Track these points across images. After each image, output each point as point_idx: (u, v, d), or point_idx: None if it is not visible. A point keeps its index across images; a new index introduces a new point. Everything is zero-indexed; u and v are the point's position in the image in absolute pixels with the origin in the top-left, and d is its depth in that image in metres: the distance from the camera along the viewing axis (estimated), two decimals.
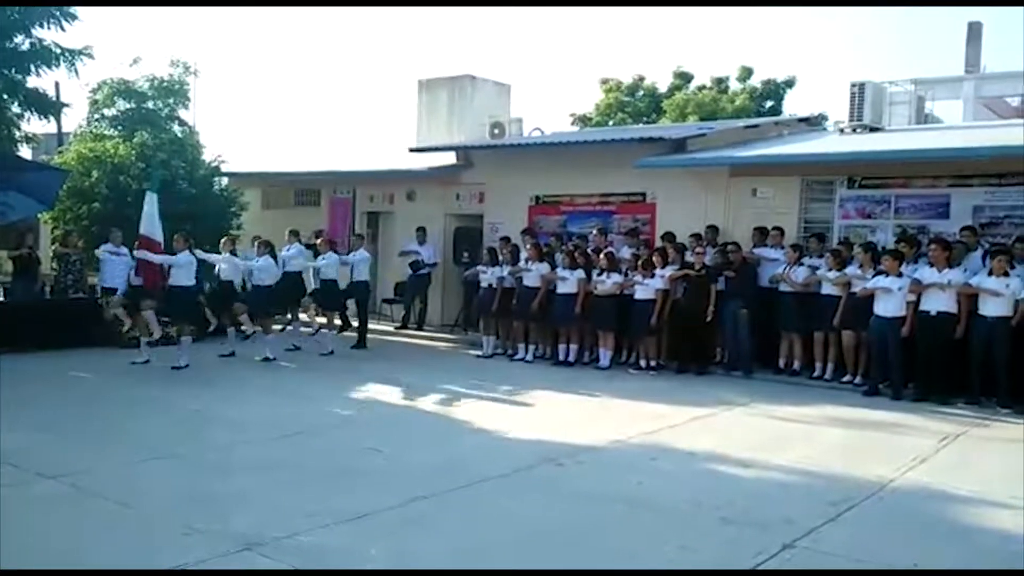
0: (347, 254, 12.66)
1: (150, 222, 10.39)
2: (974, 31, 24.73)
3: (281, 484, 5.65)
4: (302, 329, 12.36)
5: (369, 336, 14.14)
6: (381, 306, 15.37)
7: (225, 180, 16.40)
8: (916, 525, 5.13)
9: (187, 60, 16.97)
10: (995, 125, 15.82)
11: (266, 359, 10.89)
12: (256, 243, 12.06)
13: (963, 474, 6.25)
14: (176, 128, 16.90)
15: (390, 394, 9.05)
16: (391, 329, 14.41)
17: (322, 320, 12.56)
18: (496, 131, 15.33)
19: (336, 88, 53.84)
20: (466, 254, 13.66)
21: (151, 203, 10.46)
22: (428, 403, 8.58)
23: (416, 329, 14.20)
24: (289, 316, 12.44)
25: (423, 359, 11.94)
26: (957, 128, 15.07)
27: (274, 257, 11.69)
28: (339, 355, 11.71)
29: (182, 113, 17.11)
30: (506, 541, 4.69)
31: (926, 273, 9.10)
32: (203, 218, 13.59)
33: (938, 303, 8.92)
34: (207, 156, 15.76)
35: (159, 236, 10.43)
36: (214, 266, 11.52)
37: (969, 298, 8.80)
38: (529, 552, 4.55)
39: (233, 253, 11.55)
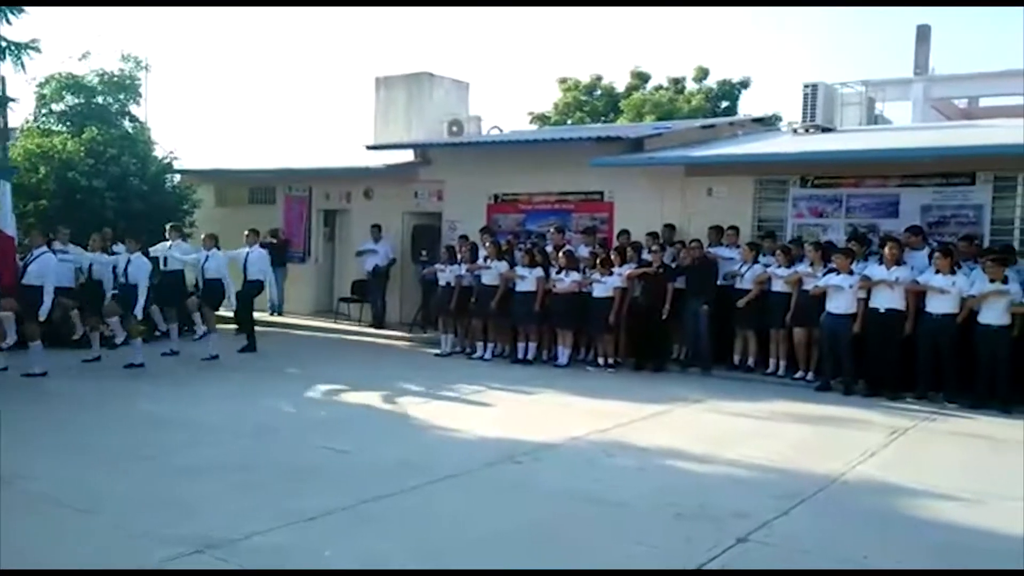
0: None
1: (2, 215, 9.73)
2: (923, 34, 25.31)
3: (236, 485, 5.58)
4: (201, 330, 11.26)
5: (329, 335, 14.07)
6: (338, 305, 15.25)
7: (178, 177, 16.11)
8: (866, 518, 5.24)
9: (138, 55, 16.59)
10: (943, 126, 16.27)
11: (212, 357, 10.74)
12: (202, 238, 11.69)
13: (912, 467, 6.40)
14: (127, 124, 16.50)
15: (347, 394, 8.98)
16: (350, 328, 14.31)
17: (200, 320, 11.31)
18: (455, 129, 15.31)
19: (292, 85, 53.23)
20: (424, 252, 13.61)
21: (4, 193, 9.81)
22: (385, 402, 8.53)
23: (376, 327, 14.11)
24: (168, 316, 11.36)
25: (381, 358, 11.87)
26: (906, 129, 15.43)
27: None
28: (293, 355, 11.59)
29: (133, 109, 16.70)
30: (463, 539, 4.69)
31: (876, 271, 9.30)
32: (155, 215, 13.32)
33: (887, 300, 9.12)
34: (159, 152, 15.46)
35: (12, 230, 9.85)
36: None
37: (917, 295, 9.01)
38: (487, 550, 4.55)
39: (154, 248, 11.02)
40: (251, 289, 11.71)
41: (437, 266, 12.22)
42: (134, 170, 13.94)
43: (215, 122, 42.83)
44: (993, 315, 8.52)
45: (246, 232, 11.97)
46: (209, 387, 9.27)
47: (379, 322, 14.22)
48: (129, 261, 10.11)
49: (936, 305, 8.84)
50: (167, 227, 11.51)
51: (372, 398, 8.69)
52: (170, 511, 4.97)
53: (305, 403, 8.57)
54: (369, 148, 15.04)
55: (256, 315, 12.34)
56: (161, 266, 11.09)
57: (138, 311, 9.97)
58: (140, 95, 16.46)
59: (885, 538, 4.84)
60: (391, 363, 11.34)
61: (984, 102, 26.20)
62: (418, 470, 5.92)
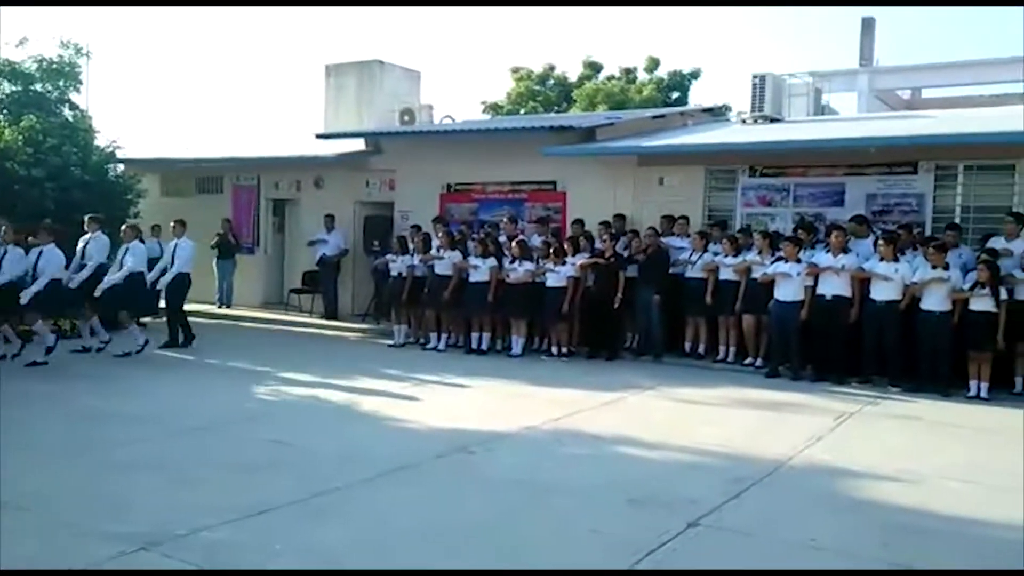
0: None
1: None
2: (867, 26, 25.77)
3: (182, 481, 5.46)
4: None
5: (280, 327, 13.88)
6: (289, 296, 15.04)
7: (121, 167, 15.72)
8: (813, 500, 5.33)
9: (78, 41, 16.11)
10: (887, 117, 16.58)
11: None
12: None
13: (857, 450, 6.52)
14: (67, 112, 16.06)
15: (297, 386, 8.86)
16: (301, 320, 14.13)
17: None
18: (406, 118, 15.18)
19: (240, 72, 52.27)
20: (376, 243, 13.49)
21: None
22: (336, 394, 8.43)
23: (329, 319, 13.96)
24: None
25: (332, 350, 11.75)
26: (851, 119, 15.71)
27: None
28: (242, 348, 11.40)
29: (73, 97, 16.25)
30: (416, 531, 4.65)
31: (822, 259, 9.46)
32: (97, 206, 12.96)
33: (833, 288, 9.29)
34: (101, 141, 15.06)
35: None
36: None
37: (862, 282, 9.19)
38: (439, 541, 4.52)
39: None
40: (179, 282, 11.11)
41: (389, 256, 12.12)
42: (75, 160, 13.55)
43: (160, 110, 41.91)
44: (935, 301, 8.74)
45: (172, 223, 11.60)
46: (153, 382, 9.07)
47: (332, 314, 14.07)
48: (41, 253, 9.64)
49: (880, 292, 9.03)
50: (85, 219, 10.85)
51: (323, 390, 8.58)
52: (113, 508, 4.84)
53: (253, 396, 8.42)
54: (319, 137, 14.85)
55: (204, 308, 12.12)
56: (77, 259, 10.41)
57: (24, 298, 9.34)
58: (80, 82, 16.03)
59: (832, 520, 4.93)
60: (343, 355, 11.23)
61: (926, 93, 26.81)
62: (369, 462, 5.86)
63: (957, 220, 9.97)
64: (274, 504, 4.94)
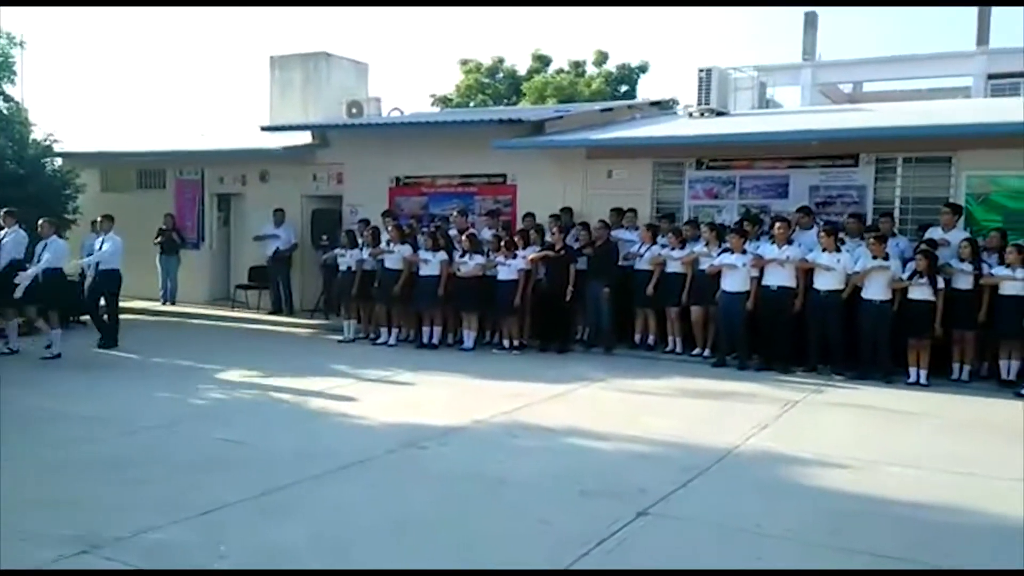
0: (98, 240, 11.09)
1: None
2: (810, 21, 26.28)
3: (126, 481, 5.34)
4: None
5: (227, 323, 13.65)
6: (236, 292, 14.79)
7: (59, 161, 15.26)
8: (760, 487, 5.44)
9: (11, 31, 15.57)
10: (829, 110, 16.94)
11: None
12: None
13: (802, 437, 6.67)
14: (1, 104, 15.52)
15: (247, 383, 8.71)
16: (248, 316, 13.91)
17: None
18: (354, 110, 15.01)
19: (183, 64, 51.16)
20: (324, 237, 13.32)
21: None
22: (286, 391, 8.32)
23: (286, 315, 13.76)
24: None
25: (281, 346, 11.59)
26: (795, 113, 16.01)
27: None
28: (188, 345, 11.19)
29: (7, 88, 15.69)
30: (367, 527, 4.62)
31: (767, 250, 9.63)
32: (33, 201, 12.57)
33: (778, 278, 9.46)
34: (38, 135, 14.59)
35: None
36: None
37: (806, 273, 9.38)
38: (391, 536, 4.50)
39: None
40: (105, 279, 10.80)
41: (338, 251, 11.98)
42: (10, 154, 13.14)
43: (100, 103, 40.80)
44: (875, 290, 8.96)
45: (98, 218, 11.23)
46: (98, 382, 8.84)
47: (284, 309, 13.90)
48: None
49: (823, 282, 9.22)
50: (1, 213, 10.44)
51: (271, 387, 8.47)
52: (55, 510, 4.72)
53: (200, 394, 8.26)
54: (264, 129, 14.60)
55: (148, 305, 11.85)
56: None
57: None
58: (14, 73, 15.45)
59: (777, 506, 5.03)
60: (292, 351, 11.09)
61: (868, 87, 27.48)
62: (319, 459, 5.80)
63: (896, 211, 10.22)
64: (223, 503, 4.87)
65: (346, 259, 11.72)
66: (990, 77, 22.68)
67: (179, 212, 15.64)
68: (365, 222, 12.17)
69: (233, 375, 9.07)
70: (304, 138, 14.36)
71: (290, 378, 8.87)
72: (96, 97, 44.39)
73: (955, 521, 4.82)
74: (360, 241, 11.76)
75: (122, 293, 11.28)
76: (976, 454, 6.25)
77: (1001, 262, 8.80)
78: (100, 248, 10.81)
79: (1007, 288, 8.61)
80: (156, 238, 14.84)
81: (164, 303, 14.91)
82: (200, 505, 4.80)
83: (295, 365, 9.63)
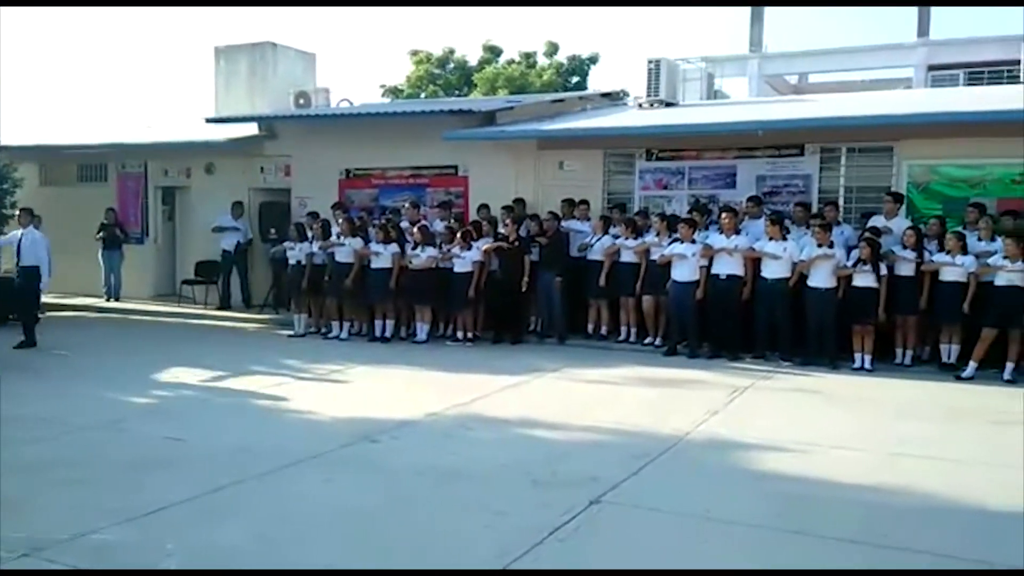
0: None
1: None
2: (757, 14, 26.59)
3: (67, 483, 5.20)
4: None
5: (173, 319, 13.38)
6: (182, 288, 14.49)
7: None
8: (710, 473, 5.51)
9: None
10: (775, 101, 17.18)
11: None
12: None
13: (751, 423, 6.77)
14: None
15: (194, 380, 8.55)
16: (195, 312, 13.65)
17: None
18: (301, 101, 14.79)
19: (125, 55, 49.85)
20: (273, 230, 13.11)
21: None
22: (235, 387, 8.19)
23: (241, 309, 13.54)
24: None
25: (230, 342, 11.40)
26: (742, 104, 16.21)
27: None
28: (132, 342, 10.95)
29: None
30: (316, 523, 4.56)
31: (716, 240, 9.75)
32: None
33: (727, 267, 9.58)
34: None
35: None
36: None
37: (753, 262, 9.52)
38: (341, 532, 4.46)
39: None
40: (26, 277, 10.47)
41: (287, 244, 11.81)
42: None
43: (39, 95, 39.57)
44: (821, 278, 9.13)
45: (17, 212, 10.88)
46: (36, 381, 8.59)
47: (243, 303, 13.69)
48: None
49: (770, 270, 9.37)
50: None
51: (220, 383, 8.33)
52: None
53: (145, 392, 8.06)
54: (209, 121, 14.30)
55: (92, 301, 11.55)
56: None
57: None
58: None
59: (727, 491, 5.10)
60: (240, 346, 10.91)
61: (813, 78, 27.95)
62: (268, 455, 5.71)
63: (841, 200, 10.42)
64: (168, 503, 4.77)
65: (295, 253, 11.56)
66: (930, 68, 23.24)
67: (122, 206, 15.25)
68: (314, 215, 12.02)
69: (179, 372, 8.89)
70: (250, 130, 14.10)
71: (238, 374, 8.73)
72: (35, 89, 43.08)
73: (898, 502, 4.93)
74: (310, 234, 11.61)
75: (64, 289, 10.98)
76: (918, 436, 6.40)
77: (941, 249, 9.03)
78: (19, 245, 10.42)
79: (947, 274, 8.84)
80: (98, 233, 14.46)
81: (108, 299, 14.55)
82: (144, 505, 4.70)
83: (244, 361, 9.48)
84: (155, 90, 45.08)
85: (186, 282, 14.43)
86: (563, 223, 11.15)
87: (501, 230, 11.09)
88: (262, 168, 14.12)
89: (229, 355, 9.95)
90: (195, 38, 51.93)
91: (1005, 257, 8.49)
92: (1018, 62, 18.30)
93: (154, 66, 49.93)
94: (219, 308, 13.66)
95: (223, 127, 14.23)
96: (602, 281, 10.58)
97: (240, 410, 7.37)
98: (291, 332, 11.66)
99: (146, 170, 15.25)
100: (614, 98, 15.89)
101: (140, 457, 5.76)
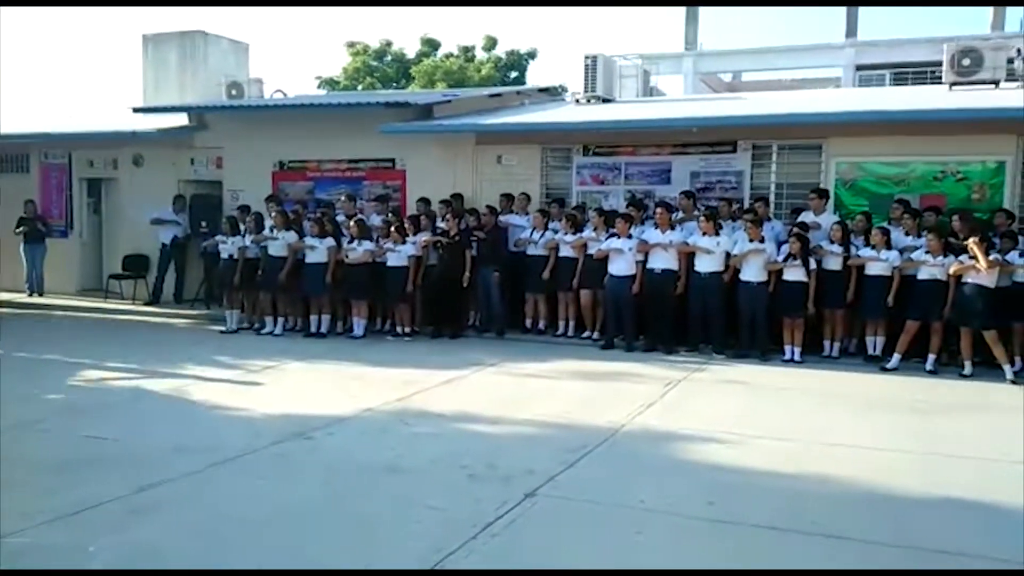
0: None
1: None
2: (692, 12, 27.00)
3: None
4: None
5: (100, 315, 12.98)
6: (109, 283, 14.05)
7: None
8: (644, 464, 5.58)
9: None
10: (709, 98, 17.48)
11: None
12: None
13: (684, 415, 6.88)
14: None
15: (120, 377, 8.30)
16: (123, 307, 13.25)
17: None
18: (234, 92, 14.48)
19: (49, 42, 48.05)
20: (204, 223, 12.80)
21: None
22: (163, 384, 7.96)
23: (174, 305, 13.19)
24: None
25: (159, 338, 11.09)
26: (677, 101, 16.44)
27: None
28: (55, 339, 10.58)
29: None
30: (247, 522, 4.48)
31: (651, 235, 9.86)
32: None
33: (662, 262, 9.71)
34: None
35: None
36: None
37: (687, 256, 9.67)
38: (274, 530, 4.38)
39: None
40: None
41: (219, 238, 11.53)
42: None
43: None
44: (752, 272, 9.32)
45: None
46: None
47: (176, 298, 13.35)
48: None
49: (703, 265, 9.52)
50: None
51: (147, 381, 8.09)
52: None
53: (68, 390, 7.81)
54: (137, 111, 13.89)
55: (12, 296, 11.11)
56: None
57: None
58: None
59: (660, 482, 5.17)
60: (170, 342, 10.63)
61: (746, 76, 28.55)
62: (199, 454, 5.58)
63: (772, 196, 10.66)
64: (93, 503, 4.64)
65: (227, 247, 11.30)
66: (858, 68, 23.94)
67: (45, 198, 14.72)
68: (247, 208, 11.77)
69: (107, 368, 8.63)
70: (180, 120, 13.74)
71: (168, 371, 8.51)
72: None
73: (825, 490, 5.06)
74: (242, 228, 11.36)
75: None
76: (845, 426, 6.59)
77: (867, 244, 9.30)
78: None
79: (872, 268, 9.11)
80: (17, 228, 13.93)
81: (31, 295, 14.04)
82: (68, 506, 4.56)
83: (173, 357, 9.24)
84: (80, 78, 43.58)
85: (113, 277, 13.99)
86: (501, 217, 11.16)
87: (441, 224, 11.03)
88: (192, 160, 13.77)
89: (158, 351, 9.69)
90: (122, 25, 50.37)
91: (927, 252, 8.79)
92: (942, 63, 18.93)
93: (79, 53, 48.25)
94: (148, 303, 13.29)
95: (152, 117, 13.85)
96: (546, 275, 10.61)
97: (169, 408, 7.18)
98: (223, 328, 11.40)
99: (70, 161, 14.72)
100: (552, 93, 15.96)
101: (63, 457, 5.57)
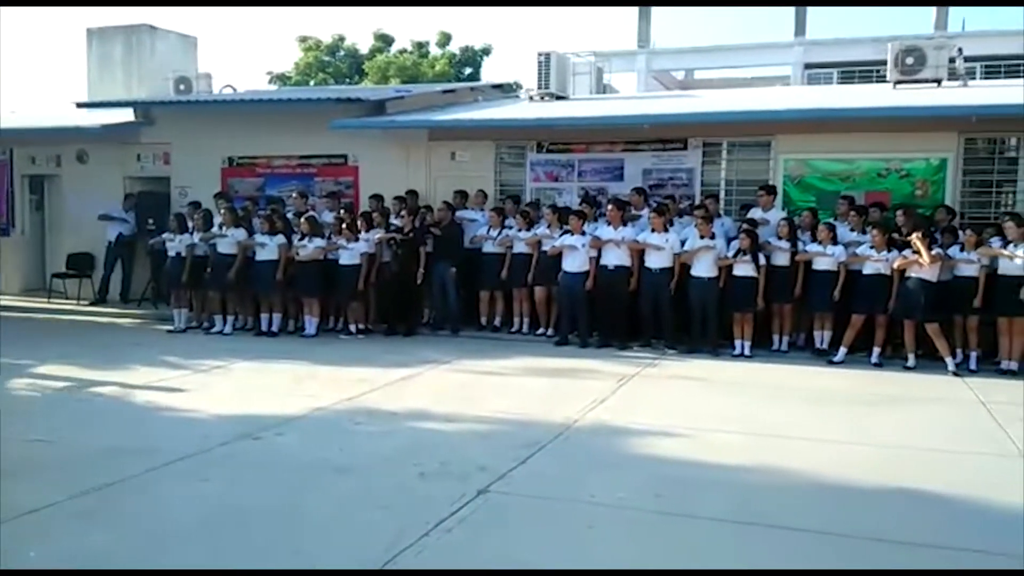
0: None
1: None
2: (645, 10, 27.18)
3: None
4: None
5: (43, 315, 12.66)
6: (52, 282, 13.70)
7: None
8: (596, 459, 5.60)
9: None
10: (661, 96, 17.63)
11: None
12: None
13: (637, 409, 6.92)
14: None
15: (63, 378, 8.07)
16: (67, 307, 12.93)
17: None
18: (182, 87, 14.22)
19: None
20: (151, 220, 12.54)
21: None
22: (108, 385, 7.77)
23: (122, 304, 12.89)
24: None
25: (105, 338, 10.83)
26: (630, 98, 16.56)
27: None
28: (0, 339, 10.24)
29: None
30: (194, 524, 4.39)
31: (604, 231, 9.92)
32: None
33: (615, 258, 9.77)
34: None
35: None
36: None
37: (639, 253, 9.74)
38: (219, 532, 4.31)
39: None
40: None
41: (166, 235, 11.30)
42: None
43: None
44: (703, 268, 9.42)
45: None
46: None
47: (103, 297, 13.04)
48: None
49: (654, 261, 9.60)
50: None
51: (91, 381, 7.88)
52: None
53: (9, 392, 7.57)
54: (80, 106, 13.55)
55: None
56: None
57: None
58: None
59: (612, 477, 5.20)
60: (116, 343, 10.39)
61: (699, 75, 28.83)
62: (144, 456, 5.45)
63: (722, 193, 10.80)
64: (32, 507, 4.49)
65: (175, 244, 11.07)
66: (807, 67, 24.34)
67: None
68: (196, 204, 11.56)
69: (48, 370, 8.40)
70: (126, 116, 13.44)
71: (113, 371, 8.31)
72: None
73: (775, 482, 5.14)
74: (190, 225, 11.15)
75: None
76: (793, 418, 6.71)
77: (814, 239, 9.47)
78: None
79: (819, 264, 9.28)
80: None
81: None
82: (6, 511, 4.41)
83: (119, 358, 9.04)
84: (21, 72, 42.35)
85: (57, 276, 13.64)
86: (457, 213, 11.12)
87: (394, 221, 10.95)
88: (139, 156, 13.50)
89: (103, 352, 9.46)
90: (66, 18, 49.07)
91: (872, 247, 8.98)
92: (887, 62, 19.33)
93: (20, 47, 46.88)
94: (94, 303, 12.99)
95: (96, 113, 13.53)
96: (504, 273, 10.60)
97: (114, 409, 7.02)
98: (171, 327, 11.18)
99: (11, 157, 14.32)
100: (506, 90, 15.94)
101: (2, 461, 5.39)
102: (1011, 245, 8.46)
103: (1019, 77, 17.79)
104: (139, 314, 12.42)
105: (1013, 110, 9.45)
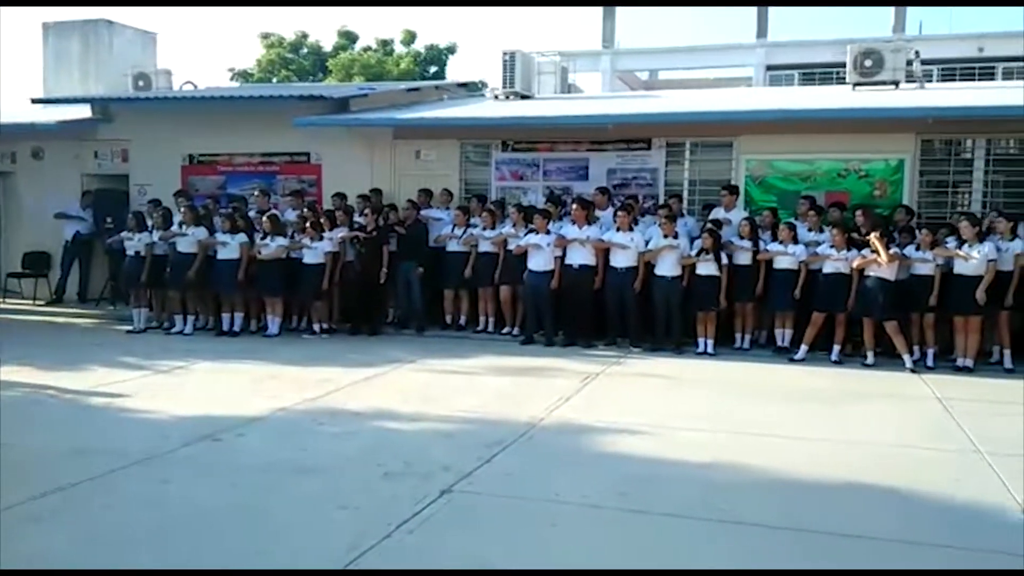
0: None
1: None
2: (609, 10, 27.30)
3: None
4: None
5: None
6: (7, 281, 13.39)
7: None
8: (560, 457, 5.61)
9: None
10: (625, 96, 17.73)
11: None
12: None
13: (601, 408, 6.95)
14: None
15: (17, 379, 7.88)
16: (23, 307, 12.66)
17: None
18: (141, 84, 13.99)
19: None
20: (109, 219, 12.32)
21: None
22: (65, 386, 7.60)
23: (79, 304, 12.64)
24: None
25: (62, 338, 10.62)
26: (595, 98, 16.64)
27: None
28: None
29: None
30: (152, 527, 4.31)
31: (569, 230, 9.94)
32: None
33: (580, 258, 9.80)
34: None
35: None
36: None
37: (604, 252, 9.78)
38: (179, 533, 4.23)
39: None
40: None
41: (125, 234, 11.10)
42: None
43: None
44: (667, 267, 9.50)
45: None
46: None
47: (60, 296, 12.78)
48: None
49: (619, 260, 9.65)
50: None
51: (47, 382, 7.72)
52: None
53: None
54: (35, 102, 13.27)
55: None
56: None
57: None
58: None
59: (576, 475, 5.21)
60: (73, 343, 10.19)
61: (663, 75, 29.04)
62: (102, 457, 5.35)
63: (685, 193, 10.89)
64: None
65: (134, 243, 10.89)
66: (769, 68, 24.63)
67: None
68: (155, 203, 11.37)
69: (4, 371, 8.18)
70: (83, 112, 13.20)
71: (70, 372, 8.15)
72: None
73: (737, 478, 5.19)
74: (149, 223, 10.97)
75: None
76: (756, 415, 6.77)
77: (775, 239, 9.59)
78: None
79: (780, 263, 9.39)
80: None
81: None
82: None
83: (76, 358, 8.86)
84: None
85: (12, 275, 13.34)
86: (422, 211, 11.07)
87: (359, 219, 10.87)
88: (97, 153, 13.25)
89: (60, 352, 9.28)
90: (21, 12, 47.98)
91: (831, 247, 9.11)
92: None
93: None
94: (50, 303, 12.73)
95: (52, 109, 13.29)
96: (468, 272, 10.58)
97: (71, 411, 6.88)
98: (130, 328, 10.99)
99: None
100: (471, 89, 15.93)
101: None
102: (966, 245, 8.64)
103: (974, 80, 18.21)
104: (97, 314, 12.19)
105: (968, 112, 9.67)
